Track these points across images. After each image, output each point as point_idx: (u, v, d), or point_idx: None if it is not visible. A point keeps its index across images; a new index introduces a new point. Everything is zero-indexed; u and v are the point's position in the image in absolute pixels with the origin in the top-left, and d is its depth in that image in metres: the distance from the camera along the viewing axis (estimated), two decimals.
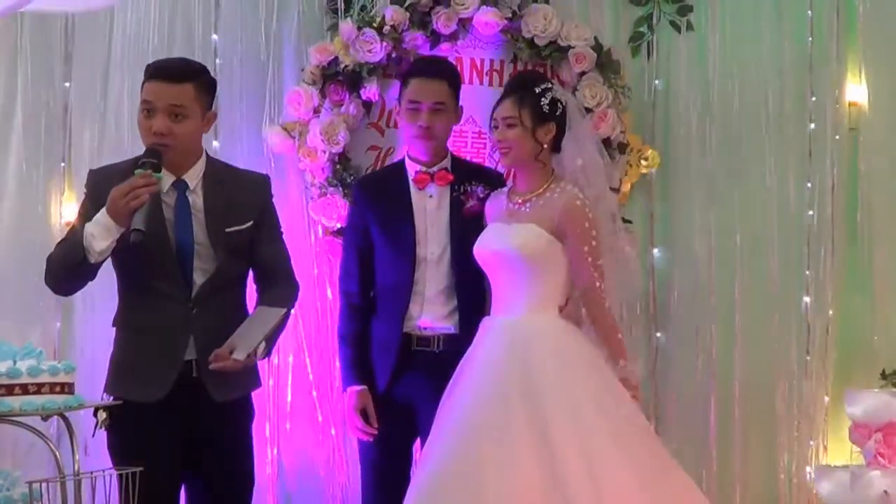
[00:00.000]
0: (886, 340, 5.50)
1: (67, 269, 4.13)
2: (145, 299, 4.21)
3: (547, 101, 4.43)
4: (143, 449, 4.12)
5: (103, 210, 4.04)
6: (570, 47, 5.30)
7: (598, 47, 5.32)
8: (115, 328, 4.33)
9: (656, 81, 5.62)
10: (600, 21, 5.51)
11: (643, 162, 5.41)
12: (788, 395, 5.56)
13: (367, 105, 5.37)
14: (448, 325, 4.69)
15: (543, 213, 4.41)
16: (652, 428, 4.56)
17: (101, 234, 4.03)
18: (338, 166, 5.30)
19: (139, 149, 5.51)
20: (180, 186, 4.26)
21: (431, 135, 4.70)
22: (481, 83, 5.37)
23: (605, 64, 5.31)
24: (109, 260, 4.20)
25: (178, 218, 4.23)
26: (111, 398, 4.16)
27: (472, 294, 4.67)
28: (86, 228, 4.03)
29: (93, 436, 4.15)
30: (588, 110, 5.24)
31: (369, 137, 5.38)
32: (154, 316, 4.22)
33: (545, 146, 4.45)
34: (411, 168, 4.78)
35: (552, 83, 4.55)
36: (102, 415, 4.06)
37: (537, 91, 4.45)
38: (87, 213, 4.14)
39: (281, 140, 5.39)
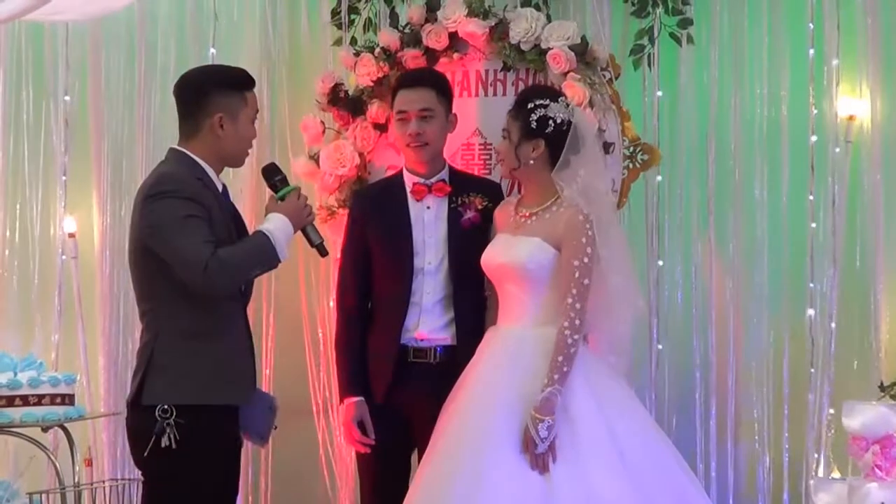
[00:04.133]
0: (887, 353, 5.48)
1: (258, 269, 4.21)
2: (225, 307, 4.20)
3: (535, 118, 4.43)
4: (220, 453, 4.15)
5: (284, 220, 4.17)
6: (550, 49, 5.17)
7: (582, 45, 5.19)
8: (182, 337, 4.13)
9: (657, 94, 5.61)
10: (602, 33, 5.48)
11: (642, 158, 5.21)
12: (791, 408, 5.55)
13: (381, 126, 5.33)
14: (444, 337, 4.69)
15: (549, 227, 4.41)
16: (657, 430, 4.54)
17: (286, 242, 4.17)
18: (354, 187, 5.29)
19: (137, 161, 5.57)
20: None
21: (422, 141, 4.73)
22: (486, 94, 5.33)
23: (589, 62, 5.24)
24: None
25: (236, 222, 4.36)
26: (170, 408, 4.03)
27: (469, 305, 4.69)
28: (273, 236, 4.11)
29: (162, 445, 4.01)
30: None
31: (388, 157, 5.35)
32: (237, 321, 4.26)
33: (531, 162, 4.45)
34: (409, 180, 4.80)
35: (558, 100, 4.50)
36: (172, 430, 4.02)
37: (529, 107, 4.45)
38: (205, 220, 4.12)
39: (309, 169, 5.38)
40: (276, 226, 4.15)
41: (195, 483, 4.05)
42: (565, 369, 4.24)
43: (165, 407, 4.01)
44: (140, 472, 4.20)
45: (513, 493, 4.12)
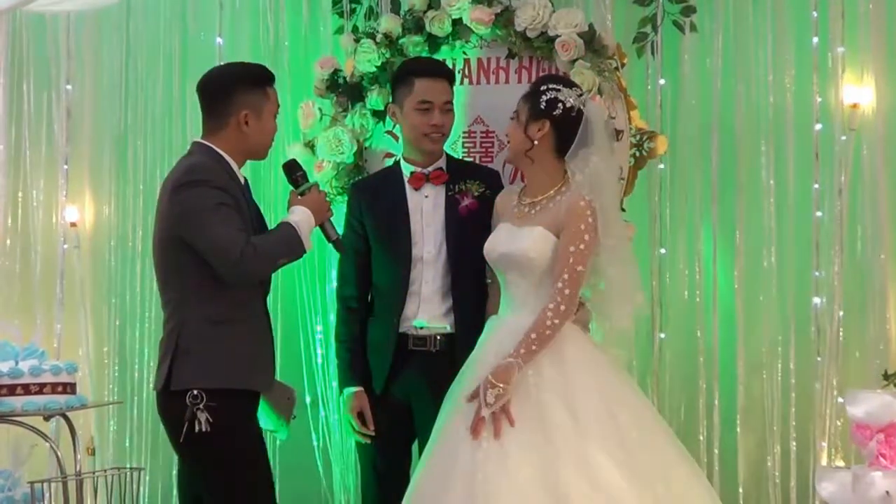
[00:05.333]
0: (893, 341, 5.48)
1: (286, 259, 4.25)
2: (249, 296, 4.25)
3: (544, 99, 4.42)
4: (251, 437, 4.20)
5: (308, 213, 4.25)
6: (557, 36, 5.15)
7: (589, 33, 5.17)
8: (208, 323, 4.15)
9: (660, 81, 5.60)
10: (605, 21, 5.47)
11: (649, 146, 5.20)
12: (798, 396, 5.54)
13: (380, 113, 5.32)
14: (444, 325, 4.69)
15: (552, 216, 4.39)
16: (660, 421, 4.54)
17: (309, 234, 4.25)
18: (352, 174, 5.28)
19: (142, 151, 5.56)
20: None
21: (444, 132, 4.76)
22: (488, 82, 5.31)
23: (597, 50, 5.22)
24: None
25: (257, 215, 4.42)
26: (200, 393, 4.05)
27: (467, 293, 4.69)
28: (300, 227, 4.20)
29: (196, 431, 4.02)
30: None
31: (385, 144, 5.34)
32: (259, 310, 4.31)
33: (535, 142, 4.44)
34: (406, 169, 4.81)
35: (571, 88, 4.49)
36: (203, 414, 4.04)
37: (542, 89, 4.45)
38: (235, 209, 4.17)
39: (304, 155, 5.37)
40: (301, 218, 4.24)
41: (251, 461, 4.13)
42: (534, 348, 4.22)
43: (195, 392, 4.04)
44: (178, 458, 4.28)
45: (514, 482, 4.11)
